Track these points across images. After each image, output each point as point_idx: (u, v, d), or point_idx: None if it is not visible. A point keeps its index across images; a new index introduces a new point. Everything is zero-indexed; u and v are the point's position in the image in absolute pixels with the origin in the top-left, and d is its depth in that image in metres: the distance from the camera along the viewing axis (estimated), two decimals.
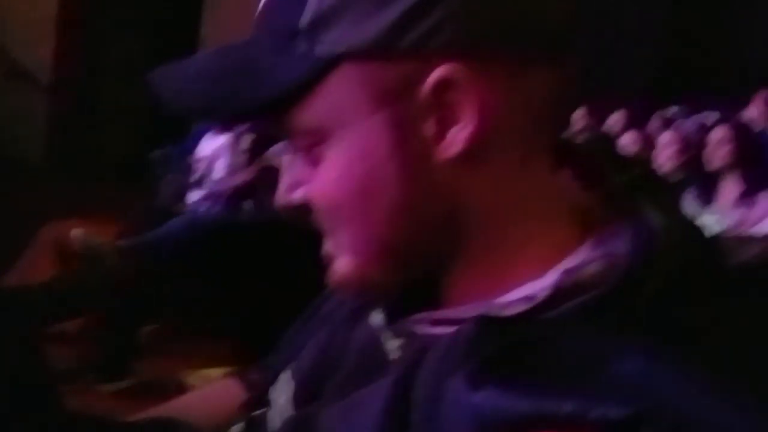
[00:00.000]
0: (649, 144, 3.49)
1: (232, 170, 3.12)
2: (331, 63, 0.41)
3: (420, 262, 0.44)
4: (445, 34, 0.39)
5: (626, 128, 3.93)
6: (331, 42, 0.40)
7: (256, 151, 3.13)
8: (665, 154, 3.14)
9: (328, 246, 0.47)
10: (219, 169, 3.13)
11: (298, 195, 0.46)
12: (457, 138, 0.40)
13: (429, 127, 0.41)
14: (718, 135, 2.85)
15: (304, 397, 0.54)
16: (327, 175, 0.43)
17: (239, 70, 0.43)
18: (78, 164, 6.11)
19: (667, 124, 4.74)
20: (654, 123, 4.82)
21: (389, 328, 0.49)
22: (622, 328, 0.37)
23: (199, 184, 3.19)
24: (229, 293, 2.51)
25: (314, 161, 0.44)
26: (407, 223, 0.43)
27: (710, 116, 4.57)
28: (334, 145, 0.42)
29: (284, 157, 0.48)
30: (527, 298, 0.40)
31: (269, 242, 2.61)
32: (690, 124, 4.62)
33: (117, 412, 0.69)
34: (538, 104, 0.42)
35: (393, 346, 0.48)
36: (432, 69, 0.39)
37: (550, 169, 0.44)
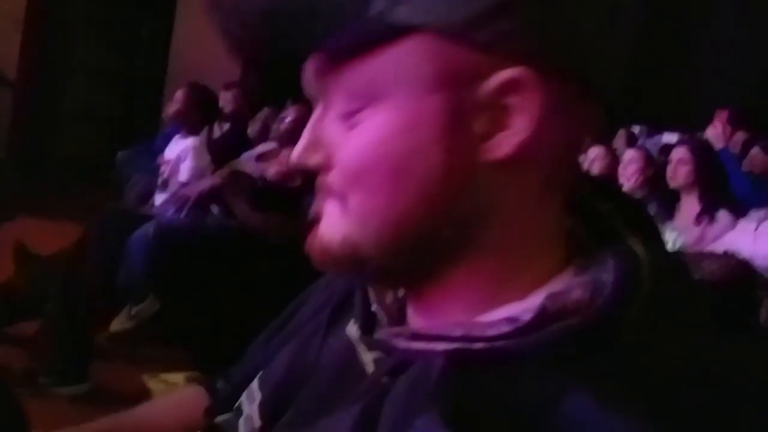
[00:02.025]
0: (613, 159, 3.55)
1: (197, 173, 3.08)
2: (408, 29, 0.40)
3: (423, 254, 0.43)
4: (518, 39, 0.39)
5: (591, 143, 3.99)
6: (414, 10, 0.40)
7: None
8: (629, 171, 3.20)
9: (323, 207, 0.45)
10: (184, 172, 3.09)
11: (316, 156, 0.44)
12: (503, 142, 0.40)
13: (480, 124, 0.41)
14: (679, 154, 2.92)
15: (270, 408, 0.53)
16: (366, 138, 0.42)
17: (314, 10, 0.41)
18: (42, 162, 5.99)
19: (631, 140, 4.84)
20: (618, 139, 4.91)
21: (363, 341, 0.48)
22: (590, 361, 0.37)
23: (164, 186, 3.15)
24: (191, 299, 2.48)
25: (352, 125, 0.43)
26: (432, 211, 0.41)
27: (672, 136, 4.68)
28: (382, 112, 0.41)
29: (311, 116, 0.46)
30: (510, 320, 0.40)
31: (235, 249, 2.59)
32: (652, 142, 4.73)
33: (74, 418, 0.68)
34: (577, 134, 0.43)
35: (368, 358, 0.47)
36: (499, 68, 0.40)
37: (561, 198, 0.44)
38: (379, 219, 0.42)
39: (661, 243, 0.45)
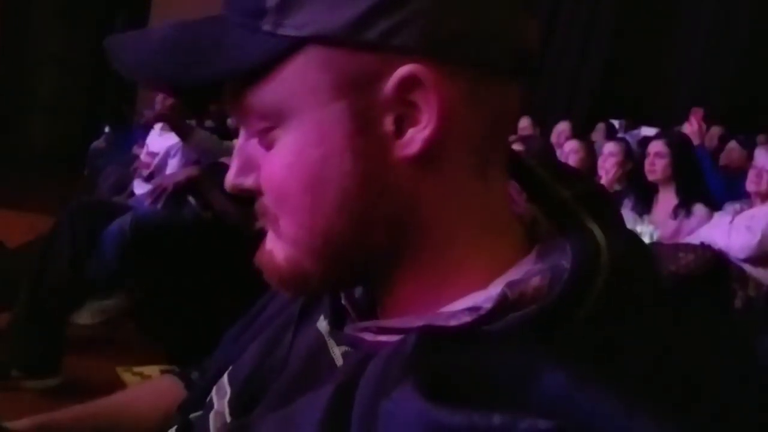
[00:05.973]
0: (591, 152, 3.58)
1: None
2: (296, 45, 0.40)
3: (361, 261, 0.43)
4: (410, 34, 0.39)
5: (570, 137, 4.02)
6: (297, 24, 0.40)
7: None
8: (608, 164, 3.22)
9: (269, 233, 0.46)
10: (172, 167, 3.06)
11: (249, 179, 0.45)
12: (415, 138, 0.40)
13: (388, 124, 0.40)
14: (656, 147, 2.94)
15: (240, 403, 0.53)
16: (279, 160, 0.42)
17: (203, 44, 0.42)
18: (12, 153, 5.89)
19: (611, 133, 4.89)
20: (598, 132, 4.96)
21: (333, 335, 0.48)
22: (553, 344, 0.37)
23: (150, 178, 3.10)
24: (167, 291, 2.45)
25: (268, 145, 0.43)
26: (355, 218, 0.41)
27: (651, 130, 4.74)
28: (291, 130, 0.41)
29: (238, 140, 0.46)
30: (471, 309, 0.40)
31: (212, 240, 2.56)
32: (632, 136, 4.78)
33: (46, 412, 0.66)
34: (498, 117, 0.42)
35: (338, 352, 0.47)
36: (397, 66, 0.39)
37: (502, 180, 0.44)
38: (308, 235, 0.42)
39: (621, 227, 0.45)
